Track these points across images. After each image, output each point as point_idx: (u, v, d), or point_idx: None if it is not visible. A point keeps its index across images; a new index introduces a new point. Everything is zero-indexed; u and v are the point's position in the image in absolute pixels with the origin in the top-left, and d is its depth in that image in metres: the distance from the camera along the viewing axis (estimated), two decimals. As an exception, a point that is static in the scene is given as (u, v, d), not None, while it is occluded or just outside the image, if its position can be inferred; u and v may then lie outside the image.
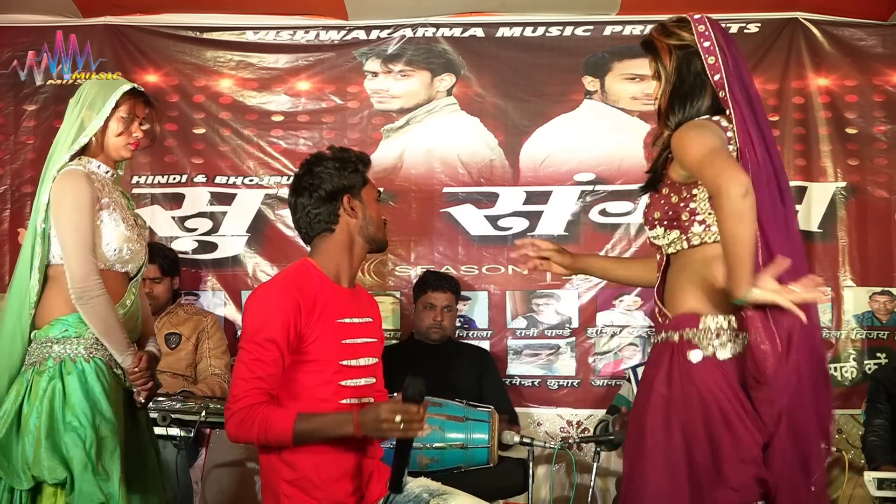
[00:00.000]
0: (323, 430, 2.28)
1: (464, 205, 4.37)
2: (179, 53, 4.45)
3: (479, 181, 4.38)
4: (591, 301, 4.33)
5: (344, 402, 2.38)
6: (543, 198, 4.35)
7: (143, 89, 2.71)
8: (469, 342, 4.28)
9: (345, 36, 4.45)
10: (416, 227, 4.38)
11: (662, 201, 2.22)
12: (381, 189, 4.23)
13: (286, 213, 4.05)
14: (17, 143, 4.41)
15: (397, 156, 4.41)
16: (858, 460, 3.98)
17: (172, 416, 3.11)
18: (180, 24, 4.46)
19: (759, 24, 4.34)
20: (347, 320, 2.43)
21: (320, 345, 2.36)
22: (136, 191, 4.38)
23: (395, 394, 2.59)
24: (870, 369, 4.17)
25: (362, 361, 2.45)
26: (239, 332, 3.65)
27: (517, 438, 3.51)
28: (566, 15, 4.41)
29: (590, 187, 4.35)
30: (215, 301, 4.36)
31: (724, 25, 2.31)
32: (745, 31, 4.31)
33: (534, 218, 4.35)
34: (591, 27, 4.41)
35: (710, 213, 2.13)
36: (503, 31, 4.43)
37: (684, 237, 2.18)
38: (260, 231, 4.40)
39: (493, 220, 4.37)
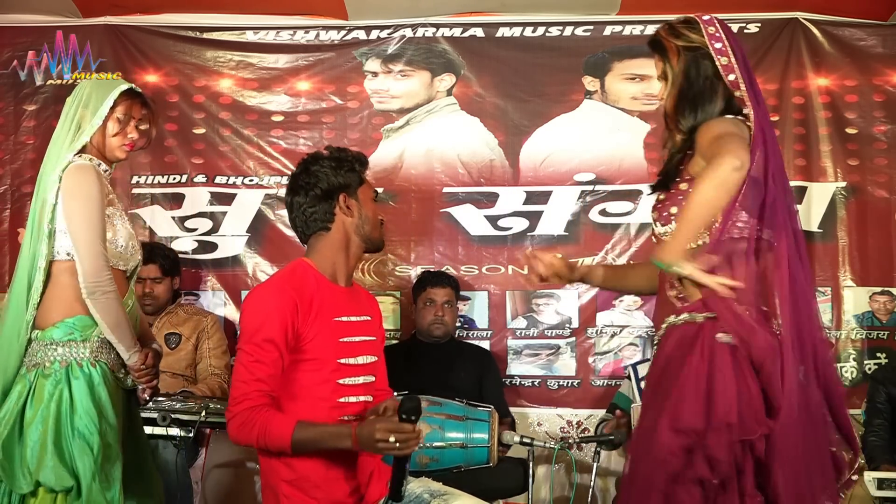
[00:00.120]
0: (321, 441, 2.28)
1: (464, 205, 4.37)
2: (179, 53, 4.45)
3: (479, 181, 4.38)
4: (591, 301, 4.33)
5: (342, 400, 2.39)
6: (543, 198, 4.35)
7: (140, 90, 2.70)
8: (471, 343, 4.28)
9: (345, 36, 4.45)
10: (416, 227, 4.38)
11: (680, 197, 2.20)
12: (381, 189, 4.28)
13: (286, 213, 4.02)
14: (17, 143, 4.41)
15: (397, 156, 4.41)
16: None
17: (172, 416, 3.10)
18: (180, 24, 4.46)
19: (759, 24, 4.34)
20: (345, 318, 2.43)
21: (318, 343, 2.36)
22: (136, 191, 4.39)
23: (396, 394, 2.60)
24: (870, 369, 4.17)
25: (360, 360, 2.45)
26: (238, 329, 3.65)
27: (517, 438, 3.51)
28: (566, 15, 4.40)
29: (590, 187, 4.35)
30: (215, 301, 4.36)
31: (700, 15, 2.28)
32: (745, 31, 4.31)
33: (534, 218, 4.35)
34: (591, 27, 4.41)
35: None
36: (503, 31, 4.43)
37: (706, 233, 2.15)
38: (260, 231, 4.40)
39: (493, 220, 4.37)
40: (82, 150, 2.59)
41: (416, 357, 3.99)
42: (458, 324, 4.21)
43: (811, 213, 4.26)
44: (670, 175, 2.25)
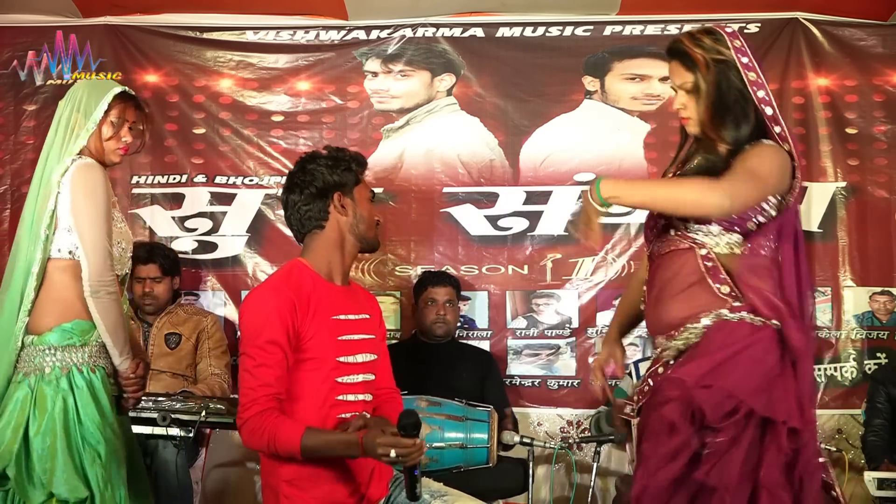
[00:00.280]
0: (331, 449, 2.30)
1: (464, 205, 4.37)
2: (179, 53, 4.45)
3: (479, 181, 4.38)
4: (591, 301, 4.33)
5: (340, 398, 2.39)
6: (543, 198, 4.35)
7: (133, 93, 2.68)
8: (473, 344, 4.27)
9: (345, 36, 4.45)
10: (416, 227, 4.38)
11: None
12: (381, 189, 4.28)
13: (286, 213, 4.05)
14: (17, 143, 4.41)
15: (397, 156, 4.41)
16: (858, 460, 3.98)
17: (172, 416, 3.10)
18: (180, 24, 4.46)
19: (759, 24, 4.34)
20: (343, 317, 2.43)
21: (316, 342, 2.36)
22: (136, 191, 4.39)
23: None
24: (870, 369, 4.17)
25: (360, 358, 2.45)
26: (238, 333, 3.65)
27: (517, 438, 3.51)
28: (566, 15, 4.40)
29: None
30: (215, 301, 4.36)
31: (723, 25, 2.30)
32: (745, 31, 4.30)
33: (534, 218, 4.35)
34: (591, 27, 4.41)
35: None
36: (503, 31, 4.43)
37: (748, 245, 2.16)
38: (260, 231, 4.40)
39: (493, 220, 4.37)
40: (79, 154, 2.57)
41: (418, 357, 3.99)
42: (458, 324, 4.21)
43: (811, 213, 4.26)
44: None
